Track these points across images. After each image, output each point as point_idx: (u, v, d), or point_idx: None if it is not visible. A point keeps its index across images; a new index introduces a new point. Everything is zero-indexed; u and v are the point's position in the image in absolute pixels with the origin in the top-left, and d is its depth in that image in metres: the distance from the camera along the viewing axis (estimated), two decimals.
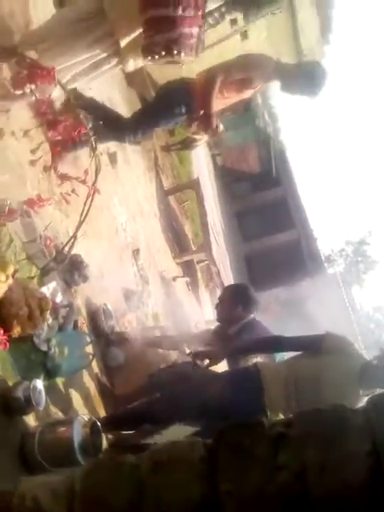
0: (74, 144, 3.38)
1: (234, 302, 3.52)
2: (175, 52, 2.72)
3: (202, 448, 1.18)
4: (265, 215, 19.67)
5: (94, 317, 3.42)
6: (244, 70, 3.52)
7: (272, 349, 2.96)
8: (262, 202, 19.95)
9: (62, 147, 3.30)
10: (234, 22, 6.21)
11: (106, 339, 3.48)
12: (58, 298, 2.71)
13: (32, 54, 2.56)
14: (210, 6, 2.85)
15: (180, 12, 2.62)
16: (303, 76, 3.44)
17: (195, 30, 2.73)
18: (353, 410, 1.16)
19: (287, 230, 19.31)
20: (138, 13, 2.66)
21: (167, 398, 2.83)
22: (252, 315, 3.53)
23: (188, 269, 7.59)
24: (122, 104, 6.74)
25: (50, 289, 2.65)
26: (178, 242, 7.65)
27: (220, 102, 3.63)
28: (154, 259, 5.98)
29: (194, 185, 7.85)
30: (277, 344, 2.81)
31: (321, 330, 2.71)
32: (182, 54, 2.74)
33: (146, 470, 1.17)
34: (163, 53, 2.72)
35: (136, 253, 5.12)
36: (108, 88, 5.84)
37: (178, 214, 8.52)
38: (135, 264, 5.04)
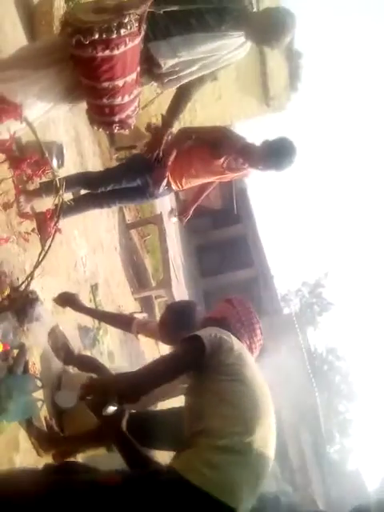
0: (40, 191, 3.38)
1: (178, 324, 2.96)
2: (115, 130, 2.91)
3: None
4: (224, 251, 19.84)
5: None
6: (214, 133, 3.74)
7: None
8: (222, 238, 20.16)
9: (28, 194, 3.27)
10: None
11: (57, 380, 3.32)
12: (9, 339, 2.57)
13: None
14: (169, 63, 2.85)
15: (118, 101, 2.66)
16: (270, 155, 3.49)
17: (132, 110, 2.82)
18: None
19: (246, 267, 19.50)
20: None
21: None
22: None
23: (146, 304, 7.47)
24: (89, 135, 6.70)
25: (1, 329, 2.51)
26: (137, 277, 7.55)
27: (190, 178, 3.85)
28: (112, 294, 5.84)
29: (157, 220, 7.83)
30: None
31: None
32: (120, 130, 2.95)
33: None
34: (103, 129, 2.96)
35: (94, 288, 4.99)
36: (75, 119, 5.79)
37: (139, 247, 8.44)
38: (93, 300, 4.90)
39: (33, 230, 2.77)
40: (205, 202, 4.23)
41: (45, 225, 2.47)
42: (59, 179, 2.28)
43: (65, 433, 3.23)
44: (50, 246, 2.37)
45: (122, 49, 2.43)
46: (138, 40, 2.53)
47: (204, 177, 3.91)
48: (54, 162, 3.89)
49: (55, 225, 2.36)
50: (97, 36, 2.36)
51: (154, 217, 8.53)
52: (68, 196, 4.08)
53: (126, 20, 2.40)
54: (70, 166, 5.09)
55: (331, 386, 25.47)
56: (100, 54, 2.41)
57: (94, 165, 6.55)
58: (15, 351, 2.65)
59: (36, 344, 3.11)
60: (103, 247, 6.02)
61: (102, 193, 3.87)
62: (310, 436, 18.04)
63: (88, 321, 4.47)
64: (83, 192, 4.10)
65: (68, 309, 3.87)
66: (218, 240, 19.92)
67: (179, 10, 2.76)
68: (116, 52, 2.42)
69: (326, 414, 19.05)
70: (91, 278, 5.06)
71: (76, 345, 3.94)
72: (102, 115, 2.80)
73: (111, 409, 1.93)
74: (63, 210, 2.54)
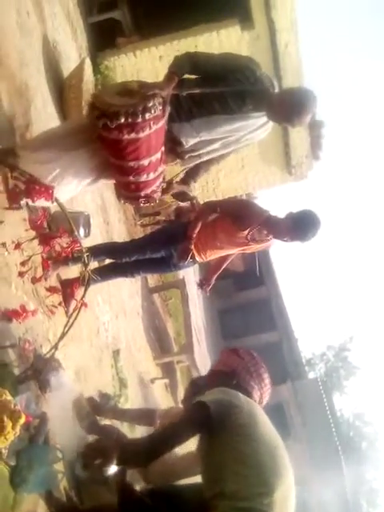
0: (67, 259, 3.48)
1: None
2: (141, 204, 3.00)
3: None
4: (247, 314, 19.71)
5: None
6: (237, 206, 3.87)
7: None
8: (245, 300, 20.07)
9: (54, 263, 3.39)
10: None
11: (77, 450, 3.31)
12: (31, 409, 2.60)
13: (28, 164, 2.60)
14: (190, 142, 2.98)
15: (144, 178, 2.75)
16: (295, 228, 3.55)
17: (157, 185, 2.90)
18: None
19: (269, 330, 19.29)
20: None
21: None
22: None
23: (168, 369, 7.44)
24: (115, 203, 6.91)
25: (24, 399, 2.55)
26: (159, 342, 7.56)
27: (215, 250, 3.93)
28: (133, 359, 5.86)
29: (179, 284, 7.92)
30: None
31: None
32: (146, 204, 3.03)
33: None
34: (129, 203, 3.09)
35: (116, 354, 5.03)
36: (101, 188, 6.01)
37: (161, 311, 8.51)
38: (114, 365, 4.93)
39: (59, 304, 2.84)
40: (227, 265, 4.30)
41: (70, 297, 2.54)
42: (87, 255, 2.37)
43: (84, 504, 3.19)
44: (75, 320, 2.44)
45: (147, 132, 2.55)
46: (162, 123, 2.64)
47: (228, 248, 3.97)
48: (81, 232, 4.01)
49: (81, 299, 2.44)
50: (123, 120, 2.46)
51: (176, 281, 8.63)
52: (93, 264, 4.20)
53: (150, 104, 2.52)
54: (97, 234, 5.25)
55: (358, 452, 24.42)
56: (126, 137, 2.52)
57: (120, 231, 6.73)
58: (36, 420, 2.67)
59: (57, 413, 3.14)
60: (126, 312, 6.09)
61: (127, 263, 3.97)
62: (336, 505, 17.20)
63: (109, 388, 4.49)
64: (108, 261, 4.22)
65: (89, 376, 3.93)
66: (240, 303, 19.85)
67: (202, 93, 2.91)
68: (141, 135, 2.54)
69: (352, 482, 18.19)
70: (113, 343, 5.11)
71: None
72: (129, 191, 2.90)
73: (112, 469, 1.99)
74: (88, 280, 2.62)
